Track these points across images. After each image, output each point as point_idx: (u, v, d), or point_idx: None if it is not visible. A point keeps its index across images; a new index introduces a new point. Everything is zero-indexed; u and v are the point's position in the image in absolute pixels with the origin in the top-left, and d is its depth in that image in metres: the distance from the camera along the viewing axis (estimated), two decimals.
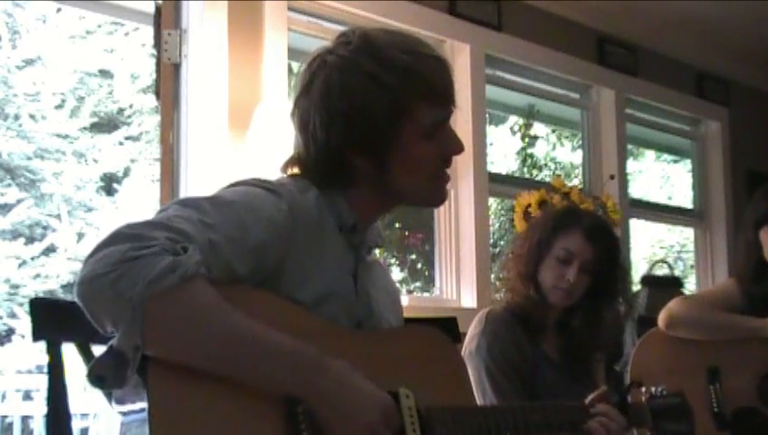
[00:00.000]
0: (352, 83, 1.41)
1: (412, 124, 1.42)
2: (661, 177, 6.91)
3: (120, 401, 1.31)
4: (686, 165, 5.75)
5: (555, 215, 2.43)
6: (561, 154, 6.42)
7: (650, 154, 6.57)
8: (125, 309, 1.16)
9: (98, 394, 1.38)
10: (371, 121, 1.40)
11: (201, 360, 1.22)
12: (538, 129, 6.04)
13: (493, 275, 3.72)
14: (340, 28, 3.34)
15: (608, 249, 2.35)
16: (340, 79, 1.41)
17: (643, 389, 1.90)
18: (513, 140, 6.17)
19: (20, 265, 8.65)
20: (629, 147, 4.99)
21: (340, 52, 1.44)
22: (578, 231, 2.32)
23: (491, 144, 4.92)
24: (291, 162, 1.53)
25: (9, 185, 8.85)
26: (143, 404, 1.21)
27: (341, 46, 1.45)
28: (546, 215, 2.50)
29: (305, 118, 1.45)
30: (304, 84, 1.46)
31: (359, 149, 1.43)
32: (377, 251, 1.71)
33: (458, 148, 1.48)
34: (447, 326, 1.97)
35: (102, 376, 1.20)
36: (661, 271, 4.57)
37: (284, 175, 1.54)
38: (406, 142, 1.43)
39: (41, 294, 8.18)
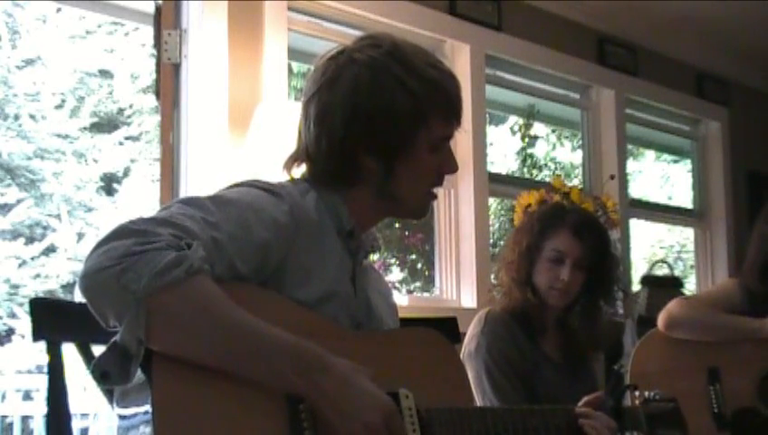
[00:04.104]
0: (382, 84, 1.45)
1: (426, 133, 1.48)
2: (661, 177, 6.91)
3: (121, 403, 1.31)
4: (686, 165, 5.75)
5: (540, 217, 2.42)
6: (561, 154, 6.42)
7: (650, 154, 6.57)
8: (129, 302, 1.17)
9: (98, 394, 1.38)
10: (392, 123, 1.45)
11: (204, 354, 1.23)
12: (538, 129, 6.03)
13: (492, 275, 3.71)
14: (340, 28, 3.38)
15: (597, 243, 2.35)
16: (371, 78, 1.45)
17: (637, 393, 1.91)
18: (513, 140, 6.17)
19: (20, 265, 8.65)
20: (629, 147, 4.99)
21: (369, 52, 1.48)
22: (564, 230, 2.32)
23: (491, 144, 4.92)
24: (296, 156, 1.54)
25: (9, 185, 8.85)
26: (145, 407, 1.21)
27: (370, 48, 1.49)
28: (531, 218, 2.46)
29: (325, 111, 1.47)
30: (329, 78, 1.48)
31: (372, 148, 1.46)
32: (375, 256, 1.73)
33: (454, 167, 1.55)
34: (447, 326, 1.97)
35: (107, 372, 1.20)
36: (661, 271, 4.57)
37: (287, 171, 1.55)
38: (416, 150, 1.48)
39: (41, 294, 8.18)
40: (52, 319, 1.50)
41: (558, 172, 6.12)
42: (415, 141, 1.47)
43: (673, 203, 5.94)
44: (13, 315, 8.49)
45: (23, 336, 8.11)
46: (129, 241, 1.20)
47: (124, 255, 1.18)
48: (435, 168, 1.52)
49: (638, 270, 4.89)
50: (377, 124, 1.45)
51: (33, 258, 8.69)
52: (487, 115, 3.98)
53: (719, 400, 2.51)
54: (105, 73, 9.35)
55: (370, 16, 3.40)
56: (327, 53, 1.52)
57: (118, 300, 1.18)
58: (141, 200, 8.88)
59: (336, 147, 1.47)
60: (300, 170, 1.56)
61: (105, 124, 9.41)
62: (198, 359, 1.22)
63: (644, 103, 4.71)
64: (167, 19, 2.79)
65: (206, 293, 1.22)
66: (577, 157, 5.22)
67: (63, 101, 9.13)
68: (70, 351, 1.50)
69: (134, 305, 1.17)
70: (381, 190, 1.50)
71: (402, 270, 4.85)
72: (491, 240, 3.92)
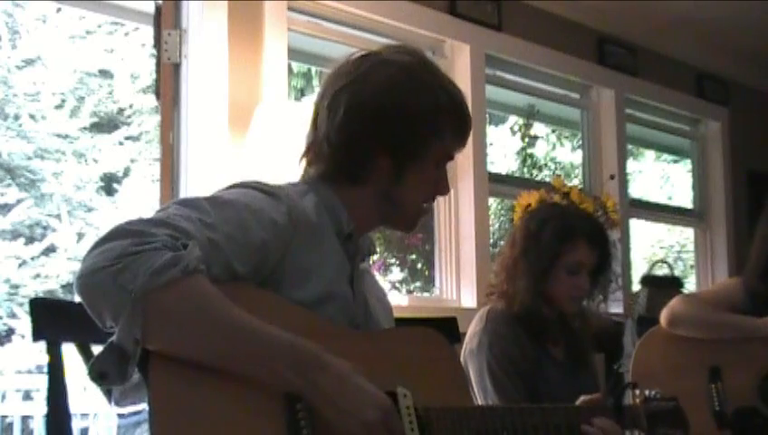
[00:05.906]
0: (415, 87, 1.50)
1: (439, 145, 1.53)
2: (661, 177, 6.92)
3: (120, 402, 1.31)
4: (686, 165, 5.75)
5: (554, 229, 2.33)
6: (561, 154, 6.42)
7: (650, 154, 6.57)
8: (126, 301, 1.17)
9: (98, 394, 1.38)
10: (414, 127, 1.49)
11: (201, 353, 1.23)
12: (538, 129, 6.04)
13: (492, 276, 3.71)
14: (340, 28, 3.38)
15: (606, 247, 2.38)
16: (406, 79, 1.49)
17: (638, 391, 1.91)
18: (513, 140, 6.18)
19: (20, 265, 8.64)
20: (629, 147, 4.99)
21: (403, 57, 1.53)
22: (583, 242, 2.31)
23: (491, 144, 4.92)
24: (311, 146, 1.55)
25: (9, 185, 8.84)
26: (143, 405, 1.21)
27: (403, 54, 1.54)
28: (538, 227, 2.36)
29: (355, 103, 1.48)
30: (363, 72, 1.50)
31: (388, 148, 1.49)
32: (374, 257, 1.73)
33: (447, 190, 1.59)
34: (447, 326, 1.97)
35: (104, 372, 1.20)
36: (661, 271, 4.57)
37: (303, 161, 1.57)
38: (426, 159, 1.52)
39: (41, 294, 8.17)
40: (52, 319, 1.50)
41: (558, 172, 6.13)
42: (428, 151, 1.51)
43: (673, 203, 5.94)
44: (13, 315, 8.48)
45: (23, 336, 8.10)
46: (126, 242, 1.20)
47: (120, 255, 1.18)
48: (434, 184, 1.55)
49: (638, 270, 4.89)
50: (401, 125, 1.48)
51: (33, 258, 8.68)
52: (487, 115, 3.98)
53: (720, 398, 2.50)
54: (105, 73, 9.34)
55: (370, 16, 3.40)
56: (355, 53, 1.55)
57: (114, 300, 1.18)
58: (141, 200, 8.87)
59: (356, 140, 1.48)
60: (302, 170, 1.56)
61: (105, 124, 9.40)
62: (195, 358, 1.22)
63: (644, 103, 4.72)
64: (167, 19, 2.79)
65: (202, 292, 1.22)
66: (577, 157, 5.22)
67: (63, 101, 9.12)
68: (70, 351, 1.50)
69: (130, 305, 1.17)
70: (386, 193, 1.52)
71: (402, 270, 4.84)
72: (491, 240, 3.92)
